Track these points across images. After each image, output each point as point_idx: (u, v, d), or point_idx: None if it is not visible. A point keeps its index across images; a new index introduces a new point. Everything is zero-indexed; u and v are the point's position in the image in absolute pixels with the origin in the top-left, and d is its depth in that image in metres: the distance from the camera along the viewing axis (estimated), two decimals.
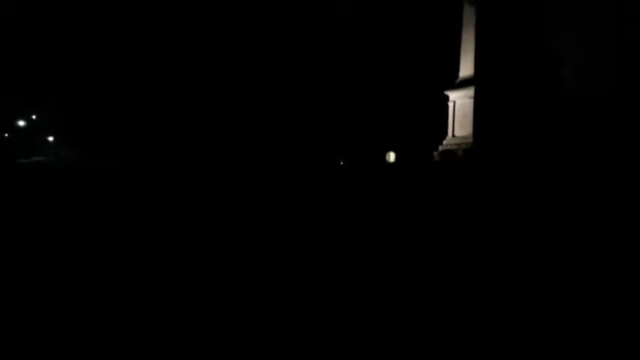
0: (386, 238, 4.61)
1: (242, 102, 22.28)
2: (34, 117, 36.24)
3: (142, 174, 13.56)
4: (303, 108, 20.52)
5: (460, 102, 13.69)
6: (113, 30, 26.41)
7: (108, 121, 28.43)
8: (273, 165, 15.51)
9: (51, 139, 36.67)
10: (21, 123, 35.18)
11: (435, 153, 14.17)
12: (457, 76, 14.31)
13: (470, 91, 13.45)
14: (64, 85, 30.40)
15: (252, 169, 14.59)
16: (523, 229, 5.24)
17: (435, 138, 14.87)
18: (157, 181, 11.53)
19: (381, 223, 5.69)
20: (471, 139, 13.18)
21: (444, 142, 14.04)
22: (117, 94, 27.99)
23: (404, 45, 17.89)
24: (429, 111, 16.13)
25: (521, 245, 4.44)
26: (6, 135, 33.24)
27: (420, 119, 16.48)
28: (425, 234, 4.96)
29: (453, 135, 13.77)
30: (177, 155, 20.81)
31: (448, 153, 13.67)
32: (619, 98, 13.19)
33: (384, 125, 16.91)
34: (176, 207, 6.91)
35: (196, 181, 11.66)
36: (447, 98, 14.23)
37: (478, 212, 6.55)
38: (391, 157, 15.02)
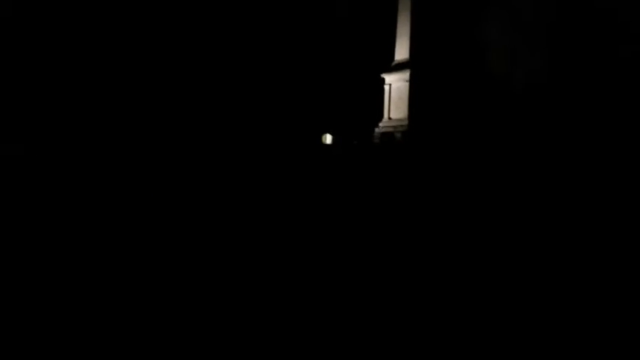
0: (321, 219, 4.49)
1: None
2: None
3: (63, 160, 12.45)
4: (232, 83, 19.82)
5: (396, 85, 13.88)
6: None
7: (17, 103, 25.95)
8: (199, 147, 14.89)
9: None
10: None
11: (373, 135, 14.32)
12: (393, 59, 14.49)
13: (405, 75, 13.65)
14: None
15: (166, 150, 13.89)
16: (450, 208, 5.34)
17: (372, 120, 15.03)
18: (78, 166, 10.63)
19: (318, 203, 5.57)
20: (406, 122, 13.43)
21: (381, 124, 14.21)
22: (25, 76, 25.52)
23: (339, 26, 17.81)
24: (366, 94, 16.22)
25: (444, 225, 4.50)
26: None
27: (357, 102, 16.57)
28: (361, 214, 4.90)
29: (389, 117, 13.97)
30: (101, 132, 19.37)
31: (385, 135, 13.86)
32: (543, 89, 14.04)
33: (320, 108, 16.80)
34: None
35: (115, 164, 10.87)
36: (383, 81, 14.37)
37: (413, 192, 6.64)
38: (327, 139, 14.98)
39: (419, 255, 3.24)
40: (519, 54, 14.36)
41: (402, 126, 13.49)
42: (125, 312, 1.99)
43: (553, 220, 4.52)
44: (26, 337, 1.79)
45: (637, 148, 11.27)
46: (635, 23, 12.39)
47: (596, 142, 12.13)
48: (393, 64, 14.30)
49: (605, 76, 12.91)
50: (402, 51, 14.15)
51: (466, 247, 3.48)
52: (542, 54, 14.05)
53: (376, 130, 14.28)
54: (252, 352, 1.67)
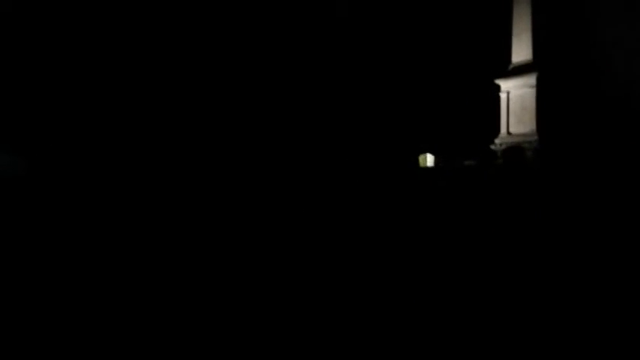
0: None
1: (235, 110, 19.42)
2: None
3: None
4: (312, 106, 17.92)
5: (516, 92, 11.42)
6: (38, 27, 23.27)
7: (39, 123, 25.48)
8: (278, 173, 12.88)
9: None
10: None
11: (490, 153, 11.85)
12: (509, 61, 12.05)
13: (529, 79, 11.20)
14: None
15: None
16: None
17: (477, 136, 12.57)
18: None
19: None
20: (534, 137, 10.91)
21: (497, 140, 11.73)
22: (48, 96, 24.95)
23: (438, 27, 15.53)
24: (464, 104, 13.77)
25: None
26: None
27: (454, 114, 14.09)
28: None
29: (509, 132, 11.48)
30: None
31: (504, 153, 11.37)
32: None
33: (410, 123, 14.37)
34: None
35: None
36: (497, 88, 11.95)
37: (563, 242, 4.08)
38: (427, 160, 12.53)
39: None
40: None
41: (527, 142, 10.97)
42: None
43: None
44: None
45: None
46: None
47: None
48: (511, 67, 11.84)
49: None
50: (521, 51, 11.70)
51: None
52: None
53: (492, 147, 11.80)
54: None
